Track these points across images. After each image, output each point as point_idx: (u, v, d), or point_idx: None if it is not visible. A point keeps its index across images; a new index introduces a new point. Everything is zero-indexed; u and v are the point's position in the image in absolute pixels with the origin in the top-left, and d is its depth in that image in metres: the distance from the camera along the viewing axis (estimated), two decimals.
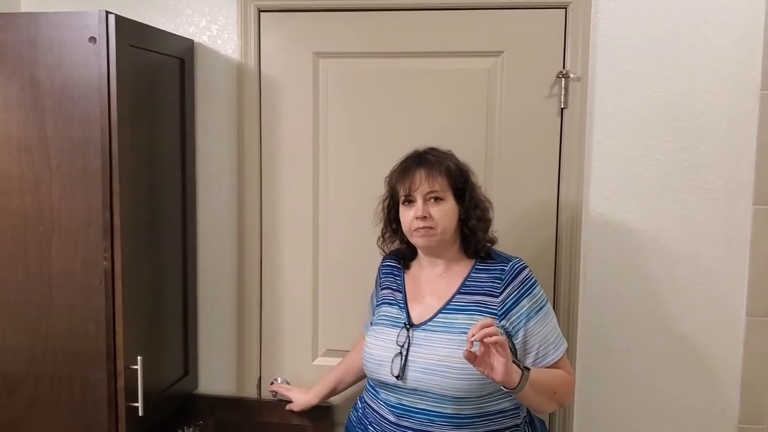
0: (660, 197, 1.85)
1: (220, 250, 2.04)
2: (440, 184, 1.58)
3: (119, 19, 1.60)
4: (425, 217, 1.56)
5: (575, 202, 1.88)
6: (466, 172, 1.64)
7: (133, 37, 1.67)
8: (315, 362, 2.06)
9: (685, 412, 1.90)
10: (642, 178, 1.85)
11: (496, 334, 1.38)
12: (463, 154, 1.90)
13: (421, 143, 1.90)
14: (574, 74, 1.85)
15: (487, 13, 1.88)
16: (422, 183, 1.57)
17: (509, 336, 1.54)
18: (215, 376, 2.07)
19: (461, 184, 1.61)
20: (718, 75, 1.81)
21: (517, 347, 1.55)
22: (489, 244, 1.65)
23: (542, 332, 1.55)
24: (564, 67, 1.86)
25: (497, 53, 1.89)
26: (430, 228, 1.56)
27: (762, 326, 1.84)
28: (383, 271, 1.74)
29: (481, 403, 1.53)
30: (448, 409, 1.52)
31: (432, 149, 1.65)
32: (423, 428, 1.55)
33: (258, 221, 2.03)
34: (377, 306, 1.71)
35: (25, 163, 1.64)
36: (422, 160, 1.61)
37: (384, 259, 1.76)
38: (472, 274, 1.60)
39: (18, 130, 1.64)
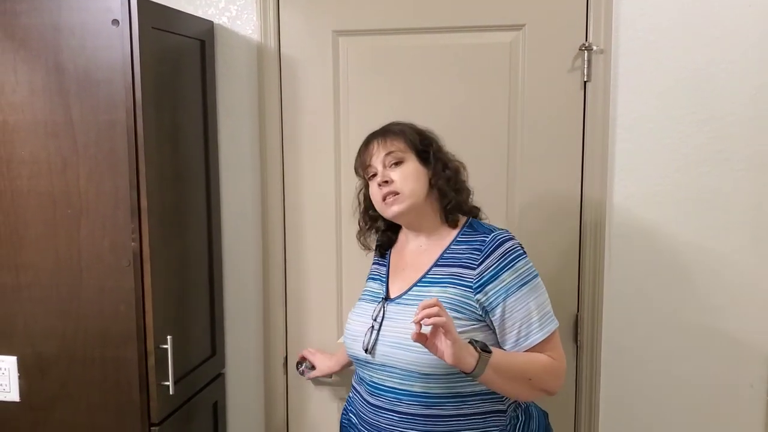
0: (686, 169, 1.83)
1: (244, 230, 2.05)
2: (396, 145, 1.53)
3: (141, 1, 1.60)
4: (386, 181, 1.50)
5: (600, 175, 1.87)
6: (426, 134, 1.59)
7: (155, 19, 1.67)
8: (341, 341, 2.06)
9: (713, 386, 1.89)
10: (667, 150, 1.83)
11: (437, 315, 1.30)
12: (485, 129, 1.92)
13: (443, 119, 1.90)
14: (596, 46, 1.83)
15: None
16: (378, 149, 1.53)
17: (486, 312, 1.46)
18: (242, 357, 2.09)
19: (423, 146, 1.56)
20: (743, 44, 1.77)
21: (495, 324, 1.46)
22: (474, 210, 1.60)
23: (524, 309, 1.44)
24: (586, 40, 1.84)
25: (519, 27, 1.87)
26: (396, 193, 1.50)
27: None
28: (376, 246, 1.72)
29: (452, 382, 1.44)
30: (416, 386, 1.45)
31: (390, 123, 1.61)
32: (392, 407, 1.48)
33: (281, 201, 2.04)
34: (366, 281, 1.70)
35: (52, 147, 1.66)
36: (377, 131, 1.58)
37: (379, 236, 1.72)
38: (452, 246, 1.53)
39: (44, 115, 1.65)
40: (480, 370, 1.36)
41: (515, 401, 1.53)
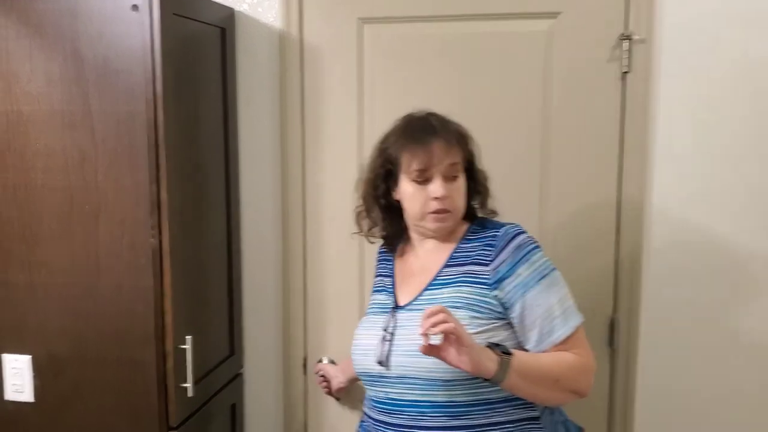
0: (731, 167, 1.74)
1: (263, 226, 1.98)
2: (460, 155, 1.42)
3: None
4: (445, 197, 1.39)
5: (639, 171, 1.78)
6: (472, 144, 1.47)
7: (176, 4, 1.59)
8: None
9: (757, 395, 1.79)
10: (712, 147, 1.74)
11: (444, 322, 1.21)
12: (518, 122, 1.84)
13: (473, 112, 1.81)
14: (637, 35, 1.74)
15: None
16: (441, 155, 1.38)
17: (506, 309, 1.37)
18: (261, 357, 2.02)
19: (470, 156, 1.47)
20: None
21: (515, 321, 1.38)
22: (492, 214, 1.51)
23: (545, 304, 1.35)
24: (626, 28, 1.76)
25: (554, 14, 1.79)
26: (447, 211, 1.40)
27: None
28: (379, 257, 1.63)
29: (478, 388, 1.35)
30: (440, 396, 1.35)
31: (433, 114, 1.46)
32: (414, 423, 1.38)
33: (301, 196, 1.96)
34: (370, 295, 1.60)
35: (69, 139, 1.59)
36: (433, 128, 1.42)
37: (381, 245, 1.62)
38: (461, 245, 1.44)
39: (61, 105, 1.58)
40: (502, 375, 1.27)
41: (548, 408, 1.44)
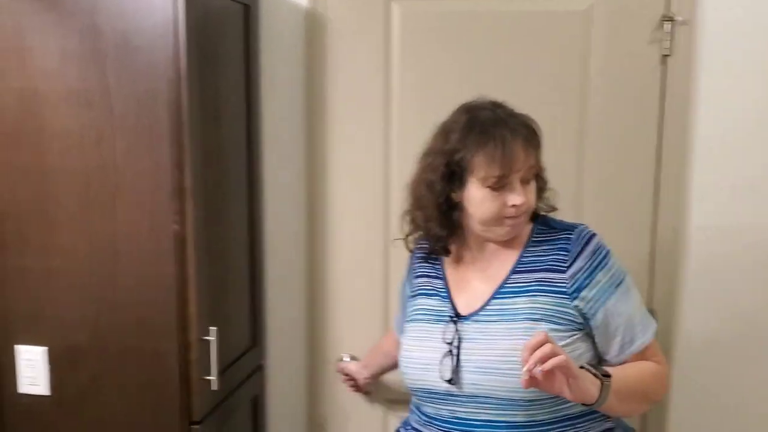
0: None
1: (287, 211, 1.91)
2: (536, 157, 1.30)
3: None
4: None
5: (678, 157, 1.72)
6: (540, 132, 1.35)
7: None
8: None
9: None
10: (755, 133, 1.68)
11: (553, 354, 1.12)
12: (553, 107, 1.77)
13: (506, 96, 1.73)
14: (680, 17, 1.68)
15: None
16: (524, 161, 1.27)
17: (586, 319, 1.30)
18: (283, 347, 1.96)
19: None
20: None
21: (595, 331, 1.31)
22: (548, 211, 1.42)
23: (626, 311, 1.30)
24: (668, 9, 1.69)
25: None
26: (520, 216, 1.30)
27: None
28: (417, 255, 1.49)
29: (559, 405, 1.28)
30: (519, 416, 1.27)
31: (497, 104, 1.34)
32: None
33: (325, 183, 1.89)
34: (410, 298, 1.46)
35: (86, 119, 1.51)
36: (505, 124, 1.28)
37: (421, 243, 1.48)
38: (528, 248, 1.34)
39: (77, 83, 1.50)
40: (604, 399, 1.20)
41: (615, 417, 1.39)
